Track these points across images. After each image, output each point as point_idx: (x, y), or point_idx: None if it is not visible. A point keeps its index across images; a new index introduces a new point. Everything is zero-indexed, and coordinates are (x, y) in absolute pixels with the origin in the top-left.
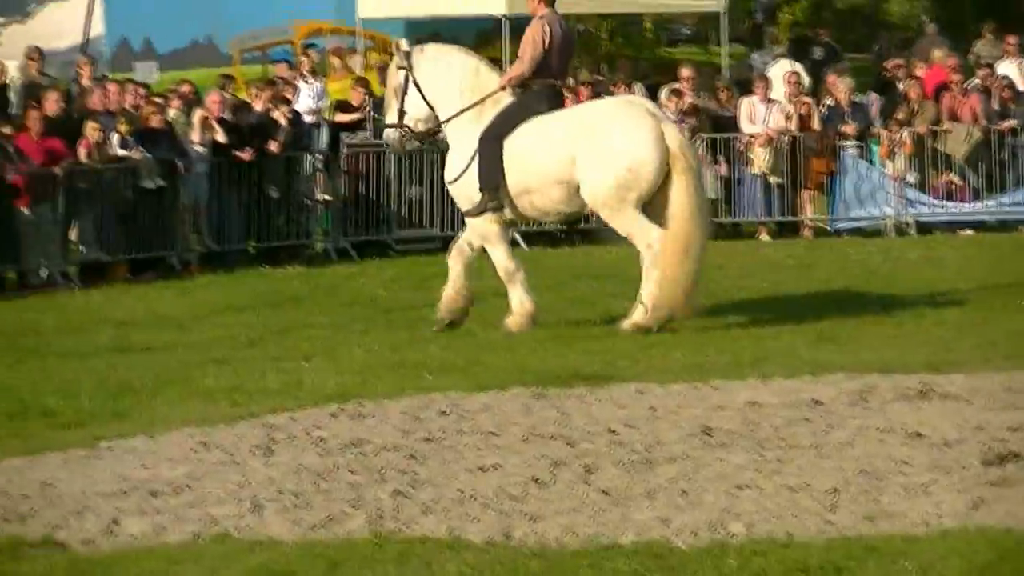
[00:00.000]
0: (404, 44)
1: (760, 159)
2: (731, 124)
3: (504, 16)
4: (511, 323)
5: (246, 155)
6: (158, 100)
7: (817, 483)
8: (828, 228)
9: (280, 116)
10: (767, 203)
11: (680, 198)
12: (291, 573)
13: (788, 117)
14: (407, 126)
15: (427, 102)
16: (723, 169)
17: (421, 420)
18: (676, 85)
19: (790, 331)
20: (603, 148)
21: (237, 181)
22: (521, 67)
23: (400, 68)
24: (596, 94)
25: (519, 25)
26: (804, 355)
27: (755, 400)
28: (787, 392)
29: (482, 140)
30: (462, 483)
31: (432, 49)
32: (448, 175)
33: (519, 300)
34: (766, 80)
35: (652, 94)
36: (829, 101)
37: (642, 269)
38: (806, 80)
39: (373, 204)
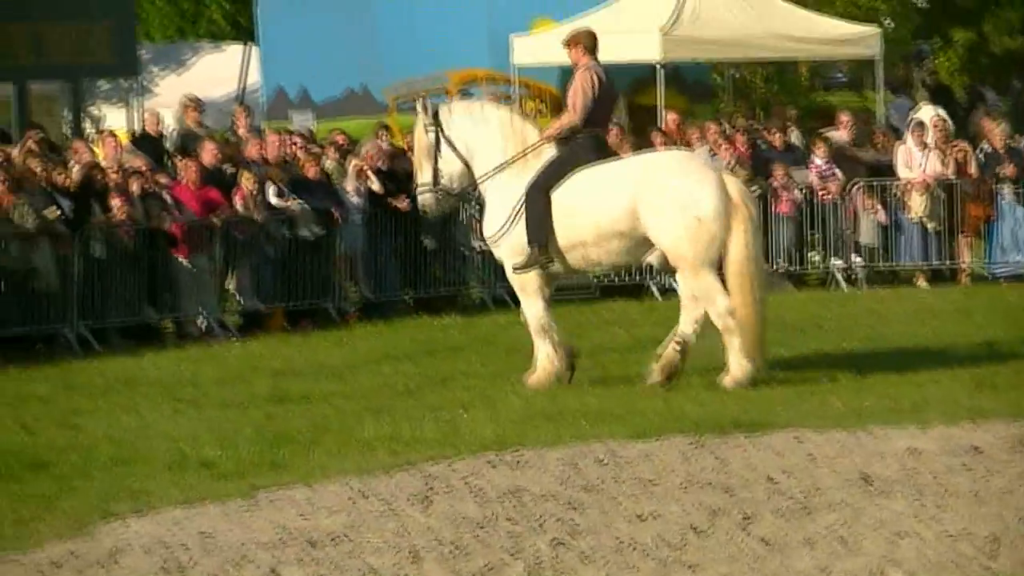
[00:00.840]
0: (429, 104)
1: (917, 205)
2: (888, 170)
3: (659, 63)
4: (533, 380)
5: (402, 204)
6: (314, 150)
7: (977, 530)
8: (986, 274)
9: None
10: (924, 249)
11: (742, 248)
12: None
13: (944, 163)
14: (442, 186)
15: (462, 159)
16: (881, 215)
17: (579, 468)
18: (830, 131)
19: (949, 377)
20: (670, 198)
21: (393, 230)
22: (572, 116)
23: (429, 128)
24: (752, 141)
25: (674, 72)
26: (963, 402)
27: (914, 447)
28: (946, 439)
29: (529, 193)
30: (620, 531)
31: (461, 106)
32: (488, 230)
33: (547, 356)
34: (922, 126)
35: (806, 140)
36: (985, 146)
37: (724, 339)
38: (951, 125)
39: None
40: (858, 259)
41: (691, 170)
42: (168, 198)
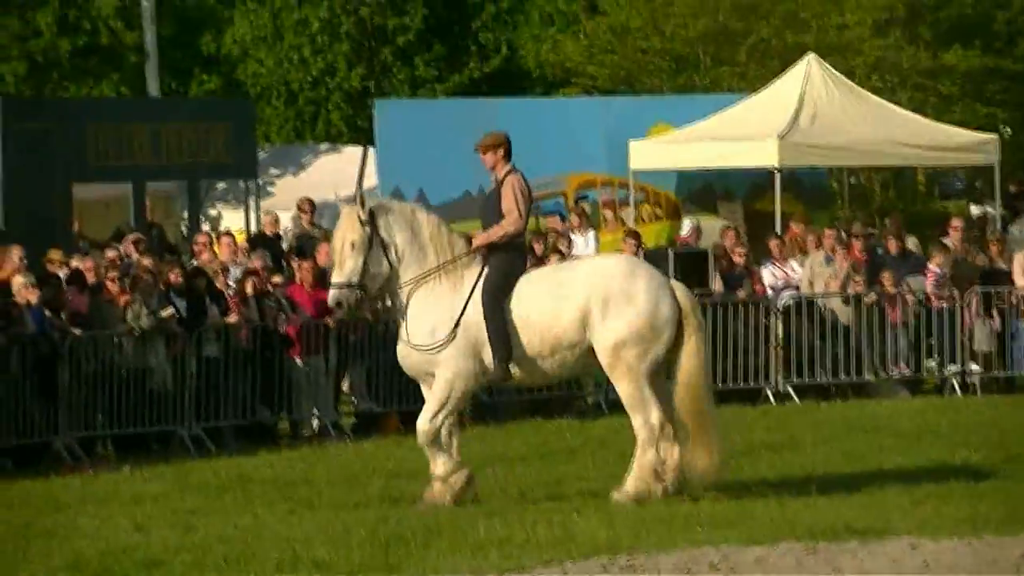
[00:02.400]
0: (367, 198)
1: None
2: (1003, 277)
3: (776, 168)
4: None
5: None
6: None
7: None
8: None
9: None
10: None
11: (692, 358)
12: None
13: None
14: (364, 286)
15: (389, 261)
16: (996, 323)
17: (692, 573)
18: (944, 239)
19: None
20: (623, 304)
21: None
22: (519, 222)
23: (365, 224)
24: (870, 247)
25: (791, 177)
26: None
27: None
28: None
29: (488, 304)
30: None
31: (398, 206)
32: (419, 338)
33: (444, 470)
34: None
35: (924, 247)
36: None
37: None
38: None
39: None
40: (975, 367)
41: (639, 275)
42: (283, 299)
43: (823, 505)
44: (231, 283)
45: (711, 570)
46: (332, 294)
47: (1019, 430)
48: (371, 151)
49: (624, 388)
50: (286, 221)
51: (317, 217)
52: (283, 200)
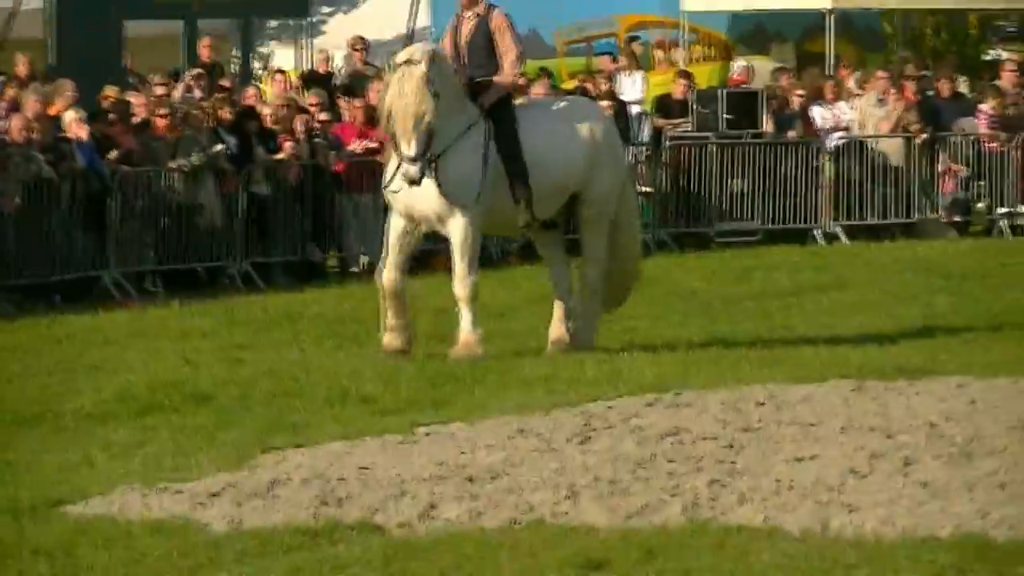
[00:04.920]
0: (436, 53)
1: None
2: None
3: (829, 10)
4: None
5: None
6: None
7: None
8: None
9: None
10: None
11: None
12: (607, 560)
13: None
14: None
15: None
16: None
17: (739, 410)
18: (997, 82)
19: None
20: (615, 156)
21: None
22: (521, 61)
23: (433, 93)
24: (921, 90)
25: (844, 18)
26: None
27: None
28: None
29: (512, 148)
30: (779, 473)
31: (441, 54)
32: (462, 192)
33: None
34: None
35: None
36: None
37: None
38: None
39: (694, 196)
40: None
41: (614, 127)
42: (330, 137)
43: (870, 345)
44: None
45: (757, 406)
46: (412, 170)
47: None
48: None
49: (598, 239)
50: (338, 60)
51: (370, 56)
52: (335, 39)
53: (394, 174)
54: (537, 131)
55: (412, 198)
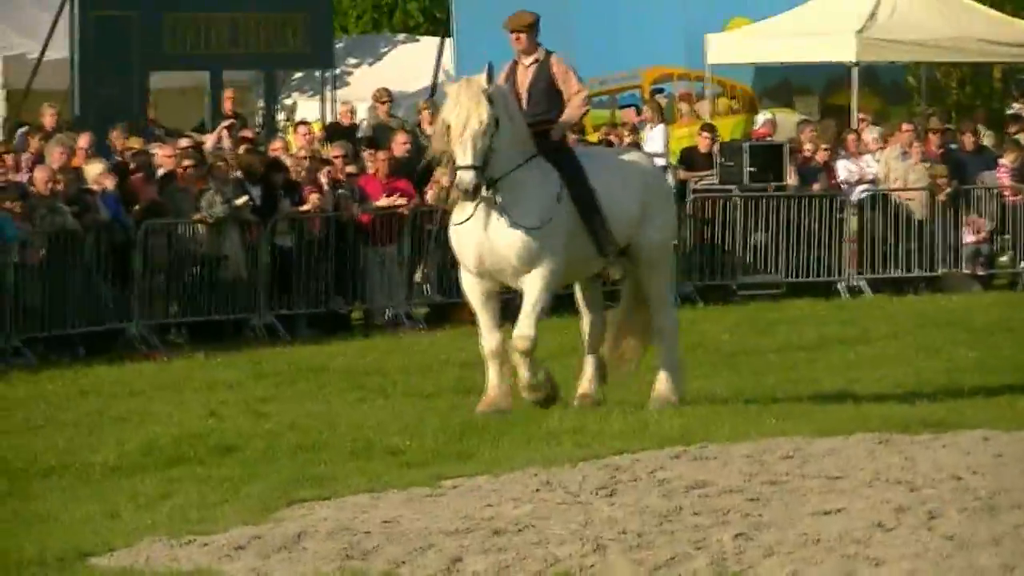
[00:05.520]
0: (493, 77)
1: None
2: None
3: (854, 63)
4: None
5: None
6: None
7: None
8: None
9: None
10: None
11: None
12: None
13: None
14: (485, 169)
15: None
16: None
17: (764, 464)
18: (1018, 136)
19: None
20: (667, 205)
21: None
22: (590, 103)
23: (491, 101)
24: (945, 143)
25: (869, 71)
26: None
27: None
28: None
29: (584, 196)
30: (805, 526)
31: (504, 87)
32: (527, 220)
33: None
34: None
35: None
36: None
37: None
38: None
39: (718, 249)
40: None
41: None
42: (356, 188)
43: (895, 398)
44: (305, 173)
45: (783, 460)
46: (468, 177)
47: None
48: (448, 42)
49: (660, 286)
50: (362, 112)
51: (394, 108)
52: (359, 91)
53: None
54: (598, 179)
55: (488, 239)
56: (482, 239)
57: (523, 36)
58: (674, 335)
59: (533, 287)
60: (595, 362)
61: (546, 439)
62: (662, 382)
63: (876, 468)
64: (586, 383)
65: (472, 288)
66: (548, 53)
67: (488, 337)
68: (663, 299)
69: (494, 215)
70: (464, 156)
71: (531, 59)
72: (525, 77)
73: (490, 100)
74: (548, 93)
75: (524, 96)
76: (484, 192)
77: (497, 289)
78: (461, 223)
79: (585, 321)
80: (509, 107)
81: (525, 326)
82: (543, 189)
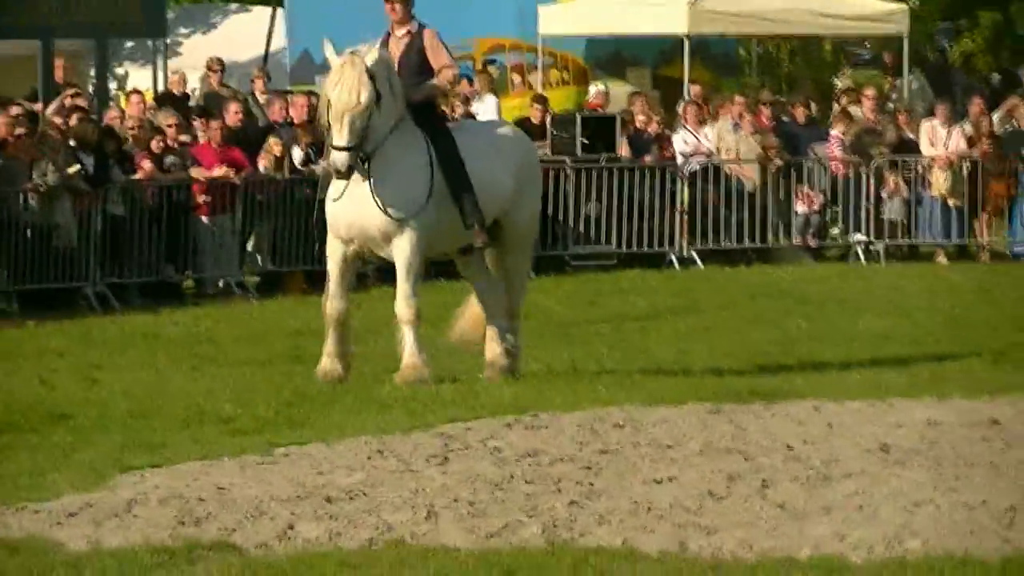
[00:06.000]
0: (376, 48)
1: (940, 182)
2: (911, 146)
3: (686, 35)
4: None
5: None
6: None
7: (995, 501)
8: (1006, 252)
9: None
10: (946, 226)
11: None
12: None
13: (970, 140)
14: (362, 147)
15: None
16: (903, 191)
17: (597, 432)
18: (852, 107)
19: (968, 352)
20: (536, 180)
21: None
22: (456, 69)
23: (373, 79)
24: (776, 116)
25: (701, 44)
26: (982, 376)
27: (932, 418)
28: (965, 412)
29: (455, 170)
30: (637, 495)
31: (385, 54)
32: (404, 205)
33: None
34: (947, 103)
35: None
36: (1008, 126)
37: (510, 305)
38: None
39: (550, 220)
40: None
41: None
42: (189, 158)
43: (727, 368)
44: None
45: (615, 428)
46: (341, 159)
47: (923, 297)
48: (280, 12)
49: (525, 261)
50: (193, 81)
51: (226, 77)
52: (191, 60)
53: (330, 183)
54: (473, 153)
55: (355, 215)
56: (352, 218)
57: (398, 6)
58: (520, 315)
59: (401, 255)
60: (497, 326)
61: (378, 407)
62: (500, 351)
63: (708, 437)
64: (492, 347)
65: (335, 251)
66: (421, 26)
67: (334, 302)
68: (523, 276)
69: (364, 193)
70: (340, 137)
71: (404, 31)
72: (397, 48)
73: (372, 77)
74: (419, 66)
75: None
76: (359, 169)
77: (360, 256)
78: (336, 199)
79: (475, 295)
80: (391, 78)
81: (403, 294)
82: (416, 166)
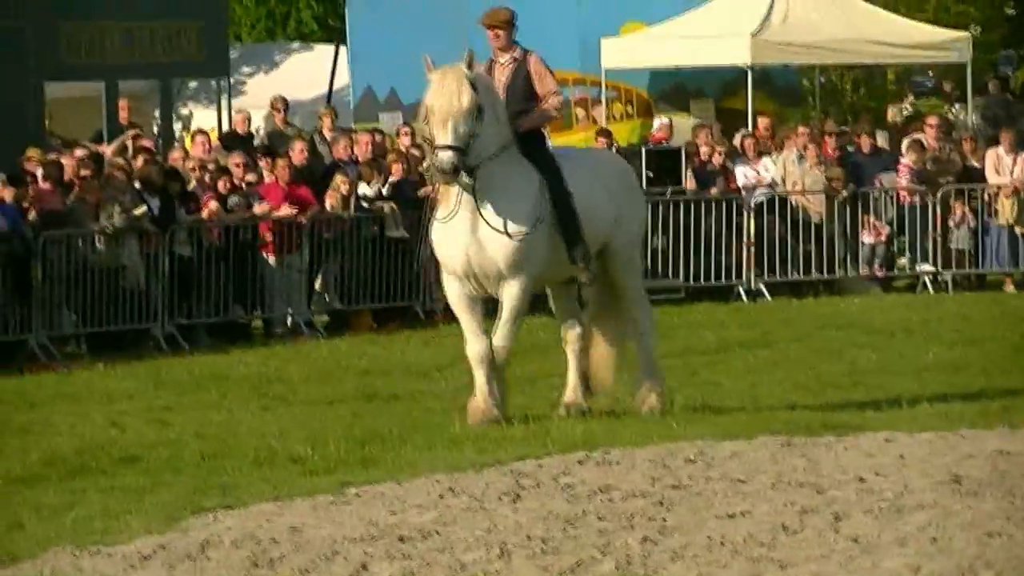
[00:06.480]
0: (474, 58)
1: (1007, 210)
2: (978, 175)
3: (749, 66)
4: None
5: None
6: (412, 151)
7: None
8: None
9: None
10: (1013, 254)
11: None
12: None
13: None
14: (467, 153)
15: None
16: (969, 220)
17: (668, 467)
18: (919, 136)
19: None
20: (639, 203)
21: None
22: (560, 96)
23: (474, 86)
24: (841, 146)
25: (763, 75)
26: None
27: (1005, 449)
28: None
29: (563, 193)
30: (711, 530)
31: (485, 74)
32: (517, 222)
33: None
34: (1012, 131)
35: (895, 143)
36: None
37: (638, 345)
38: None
39: None
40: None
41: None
42: (256, 197)
43: (798, 401)
44: (205, 180)
45: (687, 463)
46: (446, 157)
47: (990, 326)
48: (343, 50)
49: (636, 281)
50: (257, 120)
51: (290, 116)
52: (255, 100)
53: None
54: (577, 182)
55: (474, 243)
56: (469, 242)
57: (501, 33)
58: (653, 332)
59: (512, 295)
60: (578, 370)
61: (448, 445)
62: (647, 391)
63: (780, 470)
64: (570, 392)
65: (456, 293)
66: (526, 52)
67: (474, 343)
68: (640, 295)
69: (481, 217)
70: (444, 136)
71: (508, 57)
72: (502, 75)
73: (473, 86)
74: (525, 92)
75: (501, 94)
76: (465, 179)
77: (482, 294)
78: (445, 219)
79: (564, 329)
80: (492, 96)
81: (504, 336)
82: (526, 187)
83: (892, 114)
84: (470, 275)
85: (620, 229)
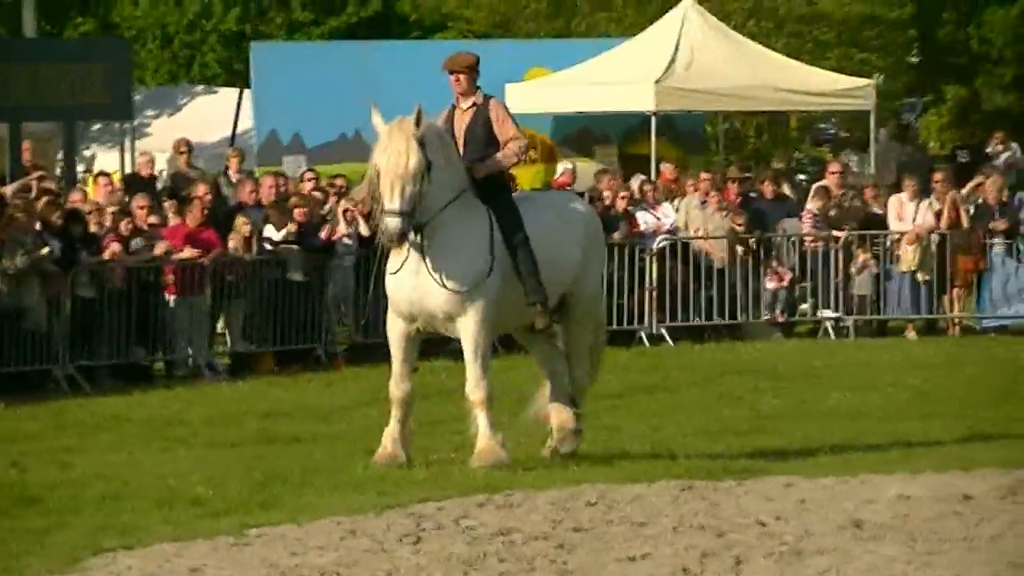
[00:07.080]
0: (423, 115)
1: (908, 256)
2: (879, 222)
3: (652, 112)
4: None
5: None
6: (315, 193)
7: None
8: (975, 326)
9: None
10: (915, 300)
11: None
12: None
13: (938, 214)
14: (414, 215)
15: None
16: (872, 266)
17: (569, 510)
18: (824, 182)
19: (939, 427)
20: (601, 253)
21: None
22: (527, 151)
23: (422, 145)
24: (744, 193)
25: (667, 121)
26: (953, 450)
27: (905, 493)
28: (937, 486)
29: (519, 246)
30: (611, 573)
31: (436, 124)
32: (463, 277)
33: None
34: (915, 178)
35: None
36: (977, 200)
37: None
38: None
39: None
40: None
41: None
42: (158, 239)
43: (699, 445)
44: (106, 224)
45: (588, 507)
46: (392, 223)
47: (891, 372)
48: (246, 94)
49: (590, 334)
50: (161, 163)
51: (193, 158)
52: (158, 142)
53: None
54: (539, 226)
55: (414, 290)
56: (411, 292)
57: (463, 77)
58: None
59: (467, 334)
60: (561, 401)
61: (350, 488)
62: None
63: (680, 514)
64: (560, 416)
65: (397, 332)
66: (487, 97)
67: (398, 383)
68: (587, 352)
69: (425, 267)
70: (392, 200)
71: (469, 102)
72: (463, 120)
73: (421, 143)
74: (486, 138)
75: (461, 140)
76: (412, 237)
77: (421, 334)
78: (394, 272)
79: (544, 375)
80: (445, 148)
81: (473, 376)
82: (475, 240)
83: (776, 160)
84: (416, 318)
85: (583, 277)
